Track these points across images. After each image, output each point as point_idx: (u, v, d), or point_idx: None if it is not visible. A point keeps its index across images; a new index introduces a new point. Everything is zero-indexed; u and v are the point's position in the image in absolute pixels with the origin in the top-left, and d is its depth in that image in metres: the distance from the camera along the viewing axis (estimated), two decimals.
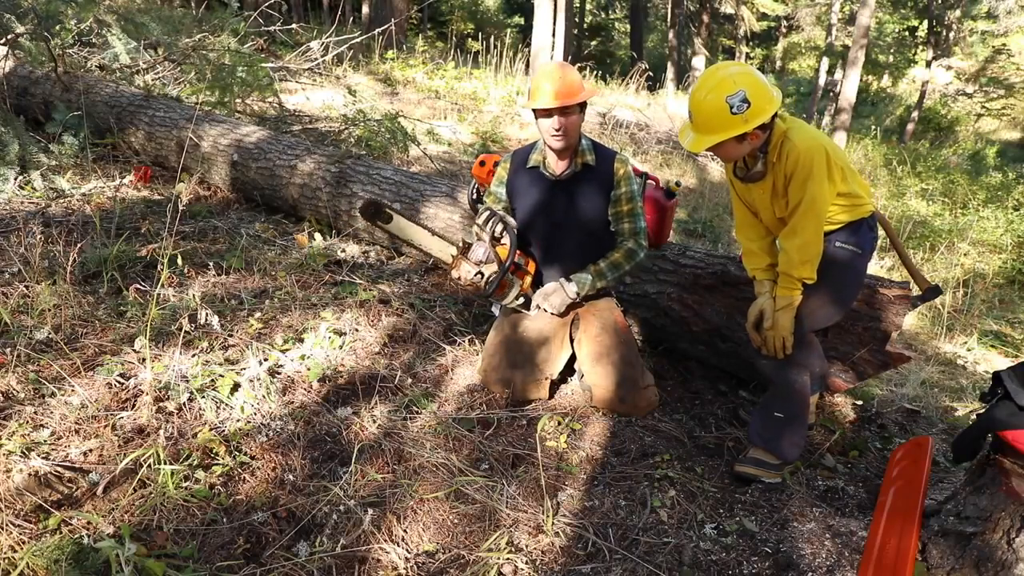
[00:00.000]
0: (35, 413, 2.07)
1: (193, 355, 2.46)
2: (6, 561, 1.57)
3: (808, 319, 2.22)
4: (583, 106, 2.44)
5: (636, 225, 2.57)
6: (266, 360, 2.51)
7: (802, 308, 2.19)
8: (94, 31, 5.94)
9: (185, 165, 4.52)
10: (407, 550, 1.85)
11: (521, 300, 2.61)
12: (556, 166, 2.55)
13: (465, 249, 2.50)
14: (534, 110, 2.40)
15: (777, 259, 2.24)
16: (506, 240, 2.45)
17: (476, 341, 2.99)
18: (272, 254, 3.61)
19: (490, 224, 2.41)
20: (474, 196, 3.24)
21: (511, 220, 2.46)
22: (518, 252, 2.55)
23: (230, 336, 2.66)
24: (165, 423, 2.12)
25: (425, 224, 2.62)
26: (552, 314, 2.57)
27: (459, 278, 2.48)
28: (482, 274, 2.46)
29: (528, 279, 2.60)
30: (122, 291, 2.86)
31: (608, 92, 11.58)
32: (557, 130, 2.39)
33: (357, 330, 2.87)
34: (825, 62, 20.19)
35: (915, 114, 19.73)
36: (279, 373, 2.50)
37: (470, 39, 17.77)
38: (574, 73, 2.40)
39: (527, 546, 1.90)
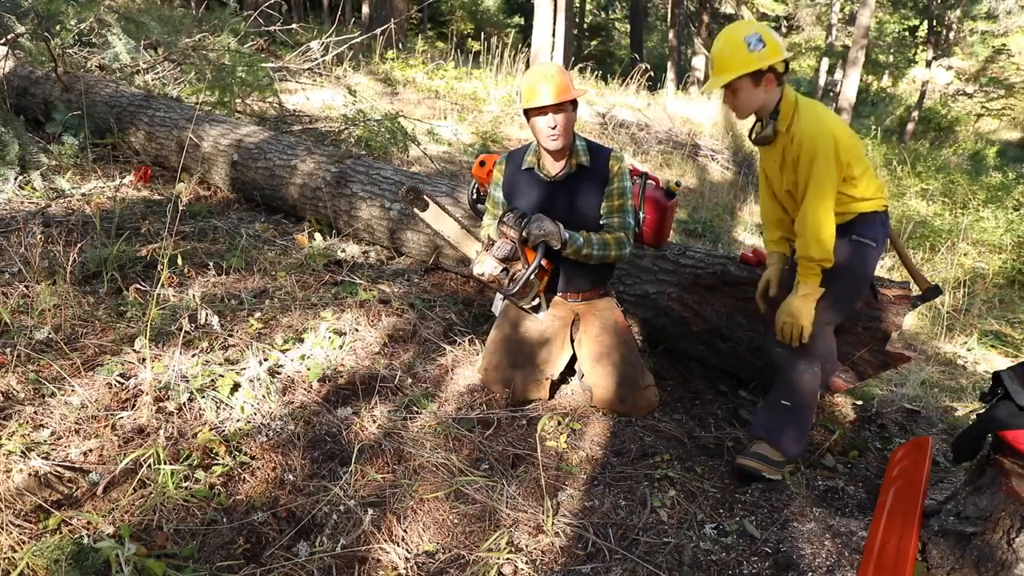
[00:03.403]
0: (35, 413, 2.07)
1: (193, 355, 2.46)
2: (6, 561, 1.57)
3: (824, 312, 2.24)
4: (575, 104, 2.44)
5: (624, 220, 2.54)
6: (266, 360, 2.51)
7: (818, 301, 2.23)
8: (94, 31, 5.94)
9: (185, 165, 4.52)
10: (407, 550, 1.85)
11: (536, 302, 2.61)
12: (552, 167, 2.54)
13: (489, 245, 2.49)
14: (527, 112, 2.40)
15: (787, 232, 2.34)
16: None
17: (476, 341, 2.99)
18: (272, 254, 3.62)
19: (517, 224, 2.39)
20: (474, 196, 3.24)
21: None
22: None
23: (230, 336, 2.66)
24: (165, 423, 2.12)
25: (457, 217, 2.65)
26: (536, 235, 2.37)
27: (482, 274, 2.46)
28: (507, 271, 2.45)
29: (546, 279, 2.59)
30: (122, 291, 2.86)
31: (608, 92, 11.57)
32: (553, 128, 2.38)
33: (357, 330, 2.87)
34: (825, 62, 20.20)
35: (915, 114, 19.73)
36: (279, 373, 2.50)
37: (470, 39, 17.77)
38: (564, 71, 2.42)
39: (527, 546, 1.90)
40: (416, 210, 2.62)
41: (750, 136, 2.36)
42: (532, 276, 2.43)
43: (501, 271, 2.43)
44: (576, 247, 2.43)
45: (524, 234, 2.37)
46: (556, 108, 2.35)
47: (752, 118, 2.31)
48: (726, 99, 2.25)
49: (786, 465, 2.28)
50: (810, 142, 2.12)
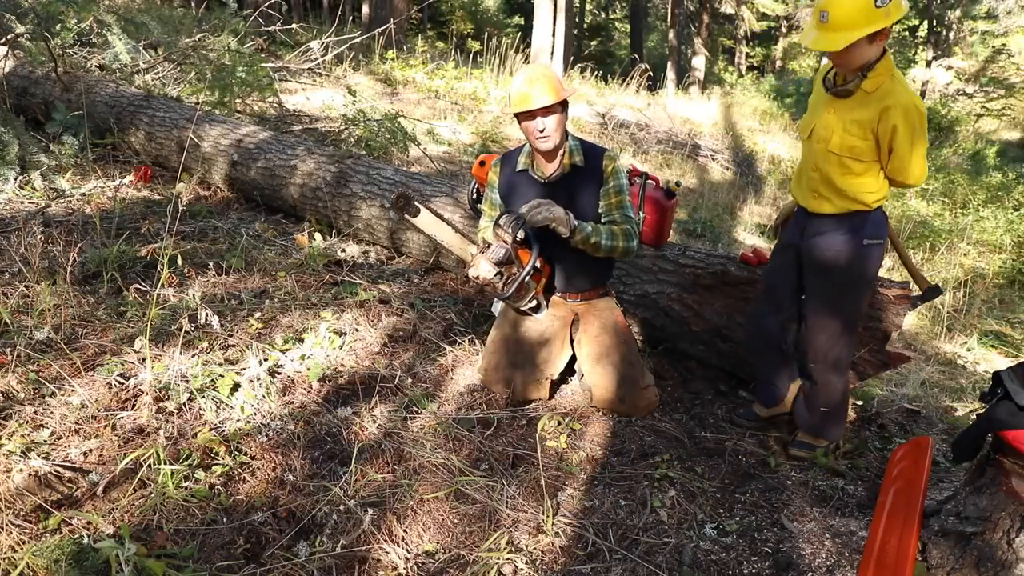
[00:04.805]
0: (35, 413, 2.07)
1: (193, 355, 2.46)
2: (6, 561, 1.57)
3: (847, 325, 2.30)
4: (565, 105, 2.43)
5: (626, 215, 2.52)
6: (266, 360, 2.51)
7: (846, 311, 2.28)
8: (94, 31, 5.94)
9: (185, 165, 4.52)
10: (407, 550, 1.85)
11: (534, 303, 2.60)
12: (545, 168, 2.53)
13: (485, 248, 2.49)
14: (517, 115, 2.40)
15: (808, 189, 2.31)
16: (526, 242, 2.44)
17: (476, 341, 2.99)
18: (272, 254, 3.62)
19: (512, 227, 2.39)
20: (474, 196, 3.24)
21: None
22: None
23: (230, 336, 2.66)
24: (165, 423, 2.12)
25: (449, 221, 2.63)
26: (544, 218, 2.31)
27: (477, 277, 2.45)
28: (501, 274, 2.45)
29: (543, 281, 2.59)
30: (122, 291, 2.86)
31: (608, 92, 11.57)
32: (542, 131, 2.37)
33: (357, 330, 2.87)
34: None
35: None
36: (279, 373, 2.50)
37: (470, 39, 17.77)
38: (552, 73, 2.40)
39: (527, 546, 1.90)
40: (408, 216, 2.60)
41: (823, 82, 2.22)
42: (527, 279, 2.42)
43: (496, 274, 2.43)
44: (585, 235, 2.39)
45: (516, 236, 2.37)
46: (545, 111, 2.35)
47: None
48: (830, 53, 2.06)
49: (830, 444, 2.50)
50: (911, 112, 2.02)
